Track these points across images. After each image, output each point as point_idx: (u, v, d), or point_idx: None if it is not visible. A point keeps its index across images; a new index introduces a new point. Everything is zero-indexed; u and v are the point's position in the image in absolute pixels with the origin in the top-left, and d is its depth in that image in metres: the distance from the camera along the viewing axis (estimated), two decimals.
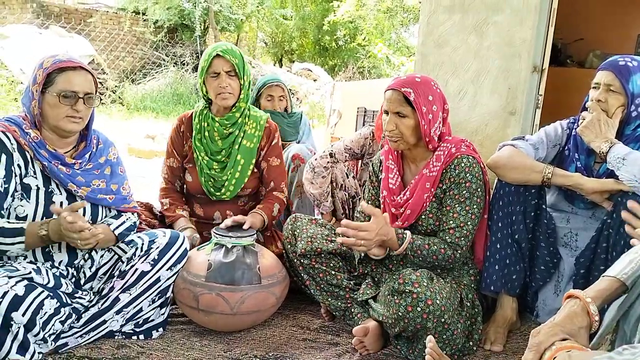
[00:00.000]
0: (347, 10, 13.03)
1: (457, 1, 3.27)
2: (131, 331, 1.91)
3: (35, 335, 1.58)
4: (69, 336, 1.78)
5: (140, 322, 1.91)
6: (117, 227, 1.90)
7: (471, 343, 1.86)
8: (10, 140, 1.73)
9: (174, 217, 2.31)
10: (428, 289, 1.66)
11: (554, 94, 3.72)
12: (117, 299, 1.84)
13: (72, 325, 1.78)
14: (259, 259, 1.96)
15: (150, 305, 1.90)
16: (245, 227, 2.08)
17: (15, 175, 1.73)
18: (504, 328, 1.99)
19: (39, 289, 1.61)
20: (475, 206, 1.89)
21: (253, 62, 14.56)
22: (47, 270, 1.74)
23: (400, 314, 1.67)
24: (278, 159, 2.41)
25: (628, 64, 1.93)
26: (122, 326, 1.88)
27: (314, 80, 14.18)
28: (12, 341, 1.55)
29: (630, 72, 1.92)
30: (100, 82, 11.11)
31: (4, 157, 1.70)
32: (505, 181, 2.00)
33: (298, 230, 2.07)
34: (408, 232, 1.87)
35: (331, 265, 2.03)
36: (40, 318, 1.58)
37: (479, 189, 1.90)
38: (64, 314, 1.71)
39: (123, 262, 1.89)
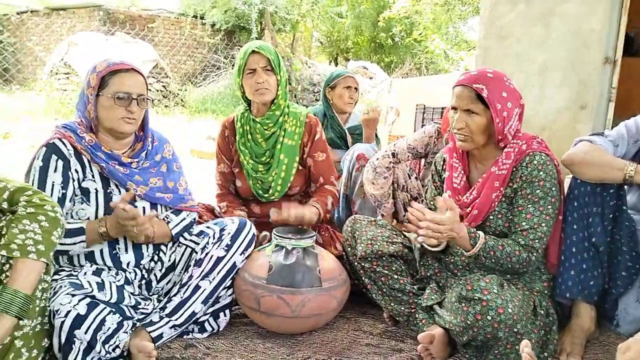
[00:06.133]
0: (403, 5, 12.81)
1: None
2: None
3: (98, 352, 1.62)
4: (162, 326, 1.81)
5: (211, 303, 1.94)
6: (175, 226, 1.94)
7: (546, 354, 1.74)
8: (66, 147, 1.78)
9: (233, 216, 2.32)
10: (499, 296, 1.57)
11: (627, 87, 3.48)
12: (197, 287, 1.86)
13: (161, 315, 1.82)
14: (319, 261, 1.93)
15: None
16: (305, 219, 2.08)
17: (73, 180, 1.79)
18: (581, 338, 1.85)
19: (101, 306, 1.65)
20: (550, 206, 1.77)
21: (308, 62, 14.64)
22: (110, 284, 1.77)
23: (469, 322, 1.59)
24: (324, 153, 2.37)
25: None
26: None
27: (370, 78, 14.07)
28: (79, 347, 1.60)
29: None
30: (164, 86, 11.49)
31: (60, 163, 1.76)
32: (581, 179, 1.87)
33: (358, 232, 2.03)
34: (481, 232, 1.77)
35: (393, 268, 1.97)
36: (104, 333, 1.62)
37: (553, 188, 1.78)
38: (128, 326, 1.74)
39: (197, 253, 1.93)
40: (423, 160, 2.84)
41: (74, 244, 1.73)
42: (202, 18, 13.82)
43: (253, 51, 2.22)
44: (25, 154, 5.83)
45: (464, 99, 1.81)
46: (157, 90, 11.24)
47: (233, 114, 2.46)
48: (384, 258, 1.97)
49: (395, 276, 1.96)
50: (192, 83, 13.19)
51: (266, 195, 2.34)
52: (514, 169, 1.82)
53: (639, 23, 4.46)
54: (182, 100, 11.73)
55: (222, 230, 1.94)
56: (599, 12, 2.96)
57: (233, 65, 13.63)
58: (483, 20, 3.47)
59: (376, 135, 3.18)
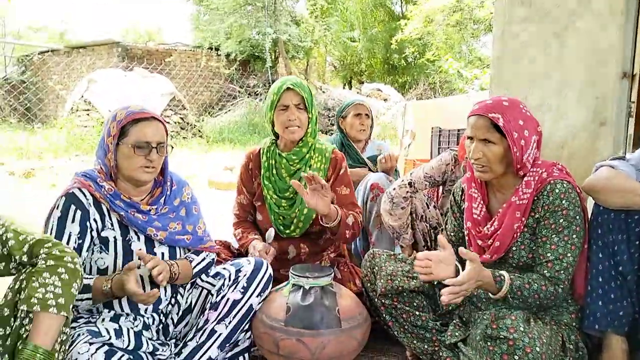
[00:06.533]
0: (415, 27, 12.87)
1: (533, 10, 3.10)
2: None
3: None
4: None
5: (228, 347, 1.90)
6: (197, 265, 1.94)
7: None
8: (85, 196, 1.78)
9: (248, 241, 2.31)
10: (526, 334, 1.51)
11: None
12: (213, 331, 1.84)
13: None
14: (337, 300, 1.89)
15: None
16: (323, 208, 2.01)
17: (92, 230, 1.78)
18: None
19: (119, 354, 1.63)
20: (574, 235, 1.72)
21: (323, 87, 14.75)
22: (128, 330, 1.76)
23: None
24: (347, 187, 2.34)
25: None
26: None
27: (385, 100, 14.10)
28: None
29: None
30: (181, 118, 11.67)
31: (79, 213, 1.76)
32: (604, 206, 1.81)
33: (377, 268, 1.99)
34: (505, 274, 1.71)
35: (414, 304, 1.93)
36: None
37: (577, 217, 1.73)
38: None
39: (213, 295, 1.90)
40: (441, 188, 2.79)
41: (81, 300, 1.72)
42: (217, 49, 14.10)
43: (288, 88, 2.22)
44: (47, 192, 5.93)
45: (479, 128, 1.77)
46: (175, 123, 11.41)
47: (258, 145, 2.45)
48: (404, 294, 1.93)
49: (417, 312, 1.91)
50: (209, 113, 13.38)
51: (287, 231, 2.31)
52: (535, 198, 1.77)
53: None
54: (199, 131, 11.89)
55: (238, 271, 1.92)
56: (614, 27, 2.92)
57: (249, 94, 13.85)
58: (496, 41, 3.44)
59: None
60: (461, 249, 1.67)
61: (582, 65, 3.04)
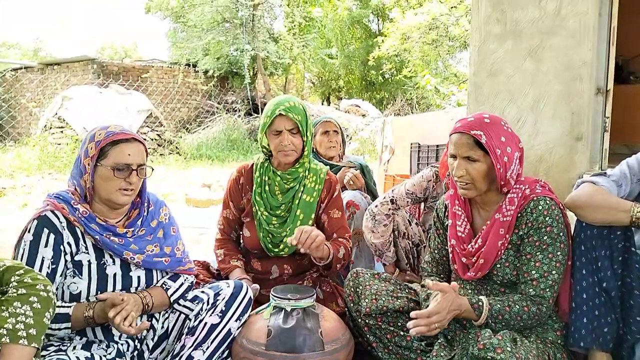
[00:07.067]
0: (392, 44, 13.03)
1: (508, 28, 3.14)
2: None
3: None
4: None
5: None
6: (174, 292, 1.86)
7: None
8: (59, 219, 1.70)
9: (229, 268, 2.25)
10: (513, 354, 1.48)
11: (618, 114, 3.47)
12: (190, 358, 1.76)
13: None
14: (320, 321, 1.84)
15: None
16: (316, 254, 1.96)
17: (65, 254, 1.70)
18: None
19: None
20: (559, 252, 1.71)
21: None
22: (101, 358, 1.68)
23: None
24: (339, 211, 2.30)
25: None
26: None
27: (363, 116, 14.18)
28: None
29: None
30: (158, 134, 11.53)
31: (52, 237, 1.68)
32: (586, 223, 1.81)
33: (360, 287, 1.95)
34: (484, 299, 1.70)
35: (399, 324, 1.89)
36: None
37: (561, 233, 1.72)
38: None
39: (191, 320, 1.83)
40: (423, 205, 2.78)
41: (59, 329, 1.64)
42: (194, 66, 14.04)
43: (280, 114, 2.15)
44: (18, 213, 5.77)
45: (462, 146, 1.76)
46: (152, 139, 11.28)
47: (251, 161, 2.39)
48: (389, 314, 1.89)
49: (402, 332, 1.87)
50: (186, 130, 13.27)
51: (276, 250, 2.25)
52: (519, 215, 1.76)
53: (625, 51, 4.52)
54: (176, 147, 11.77)
55: (216, 295, 1.85)
56: (587, 44, 2.97)
57: (227, 111, 13.79)
58: (473, 58, 3.48)
59: (371, 191, 3.08)
60: (427, 282, 1.66)
61: (557, 81, 3.09)
